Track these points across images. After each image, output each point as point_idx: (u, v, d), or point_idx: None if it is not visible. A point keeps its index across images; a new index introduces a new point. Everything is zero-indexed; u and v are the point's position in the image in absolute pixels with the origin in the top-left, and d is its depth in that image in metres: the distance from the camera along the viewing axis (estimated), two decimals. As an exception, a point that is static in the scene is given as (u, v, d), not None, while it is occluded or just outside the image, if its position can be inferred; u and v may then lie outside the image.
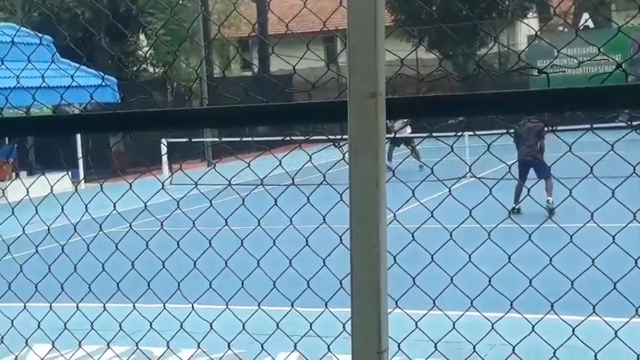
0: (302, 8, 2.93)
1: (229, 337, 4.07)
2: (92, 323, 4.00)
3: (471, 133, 24.29)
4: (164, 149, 22.22)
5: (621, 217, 3.30)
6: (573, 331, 3.45)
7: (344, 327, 2.06)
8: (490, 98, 2.34)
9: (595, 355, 3.47)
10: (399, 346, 3.35)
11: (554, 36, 36.57)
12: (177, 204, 3.69)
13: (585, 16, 36.35)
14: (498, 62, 38.18)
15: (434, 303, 3.54)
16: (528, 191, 10.28)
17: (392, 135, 21.35)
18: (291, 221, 3.46)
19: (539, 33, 36.65)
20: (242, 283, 3.75)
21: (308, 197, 3.24)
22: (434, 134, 3.90)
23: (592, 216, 3.08)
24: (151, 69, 40.54)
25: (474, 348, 3.54)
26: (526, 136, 15.99)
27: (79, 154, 26.04)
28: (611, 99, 2.15)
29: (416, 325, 3.57)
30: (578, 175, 3.23)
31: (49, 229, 4.15)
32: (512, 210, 14.01)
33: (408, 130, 24.43)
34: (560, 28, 39.69)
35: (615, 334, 3.41)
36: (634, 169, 2.90)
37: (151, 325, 4.06)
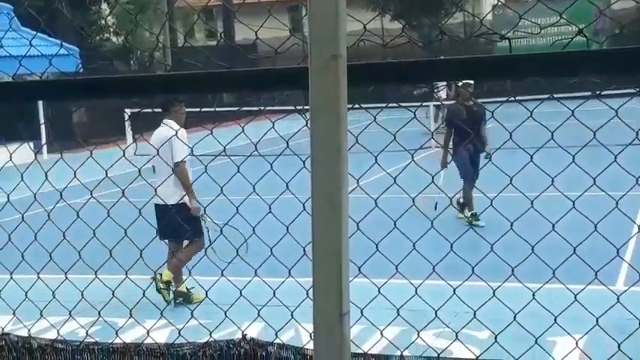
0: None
1: (193, 307, 4.06)
2: (54, 293, 3.96)
3: (437, 103, 24.48)
4: (129, 119, 21.98)
5: (582, 185, 3.32)
6: (534, 295, 3.48)
7: (307, 294, 2.06)
8: (452, 64, 2.33)
9: (555, 319, 3.51)
10: (361, 313, 3.36)
11: (519, 5, 36.61)
12: (139, 172, 3.65)
13: (550, -15, 36.40)
14: (464, 32, 38.26)
15: (396, 269, 3.55)
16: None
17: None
18: (254, 189, 3.44)
19: (504, 1, 36.75)
20: (205, 252, 3.73)
21: (271, 165, 3.22)
22: (401, 103, 3.89)
23: (552, 181, 3.10)
24: (114, 38, 40.04)
25: (436, 314, 3.56)
26: (465, 122, 12.69)
27: (42, 124, 25.73)
28: (572, 65, 2.15)
29: (379, 291, 3.58)
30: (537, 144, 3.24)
31: (8, 199, 4.10)
32: (471, 218, 12.15)
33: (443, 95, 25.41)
34: (525, -2, 39.75)
35: (575, 298, 3.46)
36: (594, 135, 2.92)
37: (113, 294, 4.03)
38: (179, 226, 7.58)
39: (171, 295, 7.96)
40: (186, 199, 8.24)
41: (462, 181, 12.41)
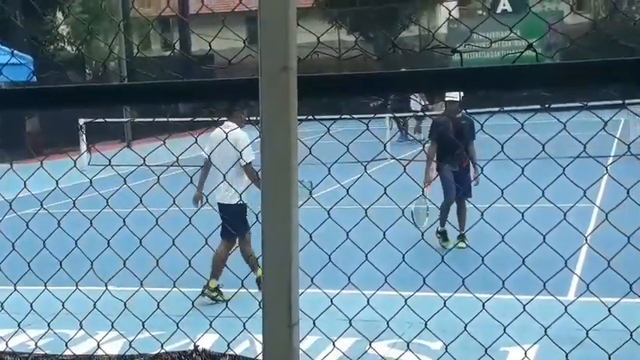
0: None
1: (146, 319, 4.02)
2: (2, 305, 3.90)
3: (391, 115, 24.67)
4: (83, 129, 21.79)
5: (530, 197, 3.37)
6: (483, 306, 3.52)
7: (259, 305, 2.06)
8: (405, 76, 2.36)
9: (504, 329, 3.55)
10: (314, 323, 3.37)
11: (473, 20, 37.06)
12: (91, 182, 3.62)
13: (504, 0, 37.03)
14: (419, 45, 38.59)
15: (349, 280, 3.57)
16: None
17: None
18: (207, 199, 3.43)
19: (459, 17, 37.18)
20: (157, 263, 3.71)
21: (224, 175, 3.21)
22: (354, 115, 3.91)
23: (502, 193, 3.14)
24: (69, 48, 39.64)
25: (388, 324, 3.58)
26: (452, 134, 11.80)
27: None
28: (520, 78, 2.19)
29: (331, 301, 3.59)
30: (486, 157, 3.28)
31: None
32: (439, 237, 11.70)
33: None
34: (480, 12, 40.32)
35: (524, 308, 3.50)
36: (543, 148, 2.97)
37: (63, 306, 3.99)
38: (242, 223, 8.88)
39: (215, 294, 8.60)
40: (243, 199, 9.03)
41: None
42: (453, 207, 11.62)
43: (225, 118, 9.71)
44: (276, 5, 1.64)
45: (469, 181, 11.52)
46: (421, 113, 25.01)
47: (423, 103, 26.62)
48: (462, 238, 11.17)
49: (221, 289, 8.70)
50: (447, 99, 12.16)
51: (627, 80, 2.24)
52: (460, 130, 11.80)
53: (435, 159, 11.83)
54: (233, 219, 8.69)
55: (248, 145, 9.14)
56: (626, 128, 20.78)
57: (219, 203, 8.99)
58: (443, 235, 11.73)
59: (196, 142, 3.26)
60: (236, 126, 9.40)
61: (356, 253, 3.72)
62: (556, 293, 3.82)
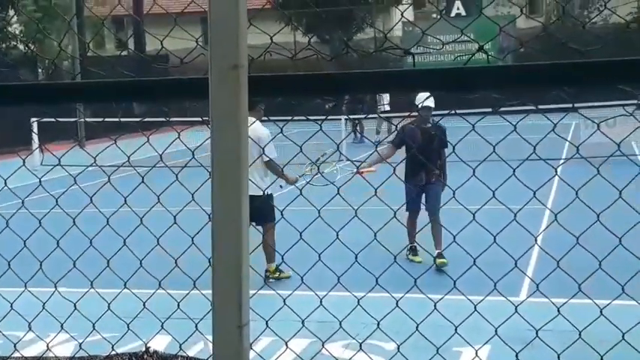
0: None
1: (96, 320, 3.98)
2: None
3: (346, 117, 24.73)
4: (35, 128, 21.48)
5: (482, 199, 3.40)
6: (435, 306, 3.54)
7: (212, 305, 2.04)
8: (356, 77, 2.36)
9: (455, 329, 3.58)
10: (267, 324, 3.36)
11: (428, 23, 37.32)
12: (40, 182, 3.57)
13: (458, 3, 37.40)
14: (374, 47, 38.74)
15: (302, 280, 3.57)
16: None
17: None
18: (158, 199, 3.40)
19: (414, 20, 37.43)
20: (107, 263, 3.67)
21: (177, 175, 3.19)
22: (308, 117, 3.91)
23: (454, 194, 3.16)
24: (21, 46, 39.05)
25: (340, 324, 3.59)
26: (423, 145, 10.53)
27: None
28: (470, 80, 2.20)
29: (284, 302, 3.58)
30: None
31: None
32: (408, 252, 10.55)
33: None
34: (434, 15, 40.64)
35: (475, 309, 3.53)
36: (494, 149, 2.99)
37: (11, 307, 3.92)
38: (270, 211, 9.60)
39: (277, 274, 9.89)
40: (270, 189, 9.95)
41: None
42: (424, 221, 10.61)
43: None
44: (226, 2, 1.63)
45: (437, 194, 10.49)
46: (386, 115, 25.09)
47: (387, 106, 26.71)
48: (440, 255, 9.63)
49: (280, 268, 9.89)
50: (419, 105, 10.68)
51: (576, 83, 2.28)
52: (429, 141, 10.66)
53: (391, 166, 10.81)
54: (262, 208, 9.26)
55: (270, 142, 9.70)
56: (577, 131, 21.09)
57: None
58: (412, 251, 10.63)
59: (148, 141, 3.22)
60: (254, 119, 9.63)
61: (310, 254, 3.71)
62: (508, 294, 3.85)
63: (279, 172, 9.82)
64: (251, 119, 9.87)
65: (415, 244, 10.59)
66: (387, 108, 26.38)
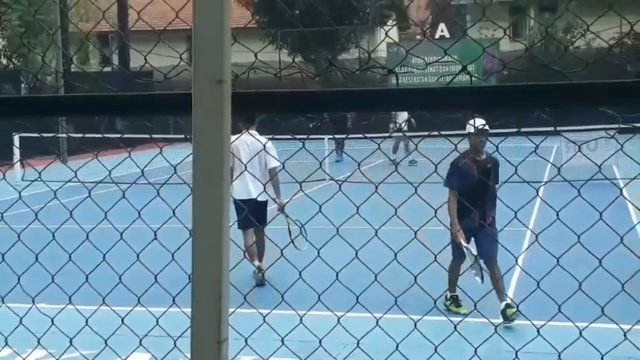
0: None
1: (75, 337, 3.94)
2: None
3: (330, 137, 24.78)
4: (17, 143, 21.38)
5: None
6: (415, 325, 3.54)
7: (191, 320, 2.03)
8: (340, 95, 2.36)
9: (435, 349, 3.57)
10: (246, 342, 3.34)
11: (412, 44, 37.56)
12: (20, 196, 3.55)
13: (442, 26, 37.67)
14: (359, 67, 38.86)
15: (282, 298, 3.55)
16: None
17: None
18: (139, 214, 3.39)
19: (398, 42, 37.65)
20: (86, 279, 3.64)
21: (158, 191, 3.18)
22: (291, 135, 3.91)
23: (435, 213, 3.17)
24: (4, 61, 38.92)
25: (320, 343, 3.57)
26: (472, 180, 8.66)
27: None
28: (453, 100, 2.21)
29: (264, 319, 3.57)
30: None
31: None
32: (449, 302, 8.98)
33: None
34: (418, 37, 40.89)
35: (455, 328, 3.53)
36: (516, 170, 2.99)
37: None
38: (264, 216, 10.52)
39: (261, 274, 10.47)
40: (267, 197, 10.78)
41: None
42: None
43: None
44: (211, 18, 1.63)
45: (494, 236, 8.63)
46: (400, 134, 24.68)
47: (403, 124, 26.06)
48: (507, 306, 8.41)
49: (262, 269, 10.44)
50: (472, 128, 8.73)
51: (558, 104, 2.29)
52: (485, 176, 8.81)
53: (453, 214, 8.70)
54: (258, 212, 10.41)
55: (275, 153, 10.41)
56: (559, 155, 21.23)
57: (243, 200, 10.66)
58: (454, 301, 9.00)
59: (130, 157, 3.21)
60: (258, 134, 10.64)
61: (292, 273, 3.70)
62: (488, 315, 3.86)
63: (277, 185, 10.77)
64: (255, 133, 10.65)
65: (457, 293, 8.90)
66: (404, 127, 25.61)
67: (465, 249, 8.44)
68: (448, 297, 9.05)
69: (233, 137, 10.54)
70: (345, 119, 28.93)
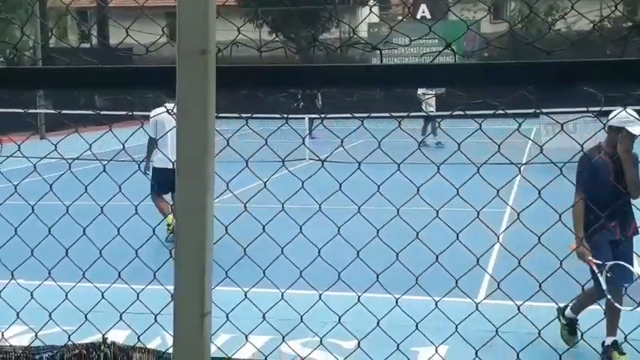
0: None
1: (54, 312, 3.93)
2: None
3: (316, 116, 24.75)
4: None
5: (446, 199, 3.42)
6: (397, 302, 3.55)
7: (172, 297, 2.02)
8: (321, 70, 2.35)
9: (416, 326, 3.58)
10: (227, 317, 3.34)
11: (393, 24, 37.52)
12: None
13: (423, 7, 37.72)
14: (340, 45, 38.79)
15: (264, 274, 3.55)
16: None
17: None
18: (120, 189, 3.36)
19: (379, 21, 37.62)
20: (66, 253, 3.62)
21: (139, 165, 3.16)
22: (273, 114, 3.90)
23: (418, 191, 3.16)
24: (-19, 36, 38.48)
25: (302, 319, 3.58)
26: (615, 178, 6.76)
27: None
28: (433, 76, 2.21)
29: (245, 295, 3.57)
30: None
31: None
32: (566, 328, 7.04)
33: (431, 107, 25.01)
34: (400, 17, 40.89)
35: (436, 305, 3.54)
36: (459, 147, 3.00)
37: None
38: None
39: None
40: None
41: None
42: None
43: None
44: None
45: (632, 254, 6.97)
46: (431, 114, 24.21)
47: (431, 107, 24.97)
48: (615, 346, 6.78)
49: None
50: (615, 122, 6.80)
51: (542, 82, 2.29)
52: (621, 175, 6.83)
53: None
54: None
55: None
56: (538, 136, 21.33)
57: (167, 168, 10.84)
58: (570, 327, 7.11)
59: (111, 131, 3.19)
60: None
61: (274, 249, 3.70)
62: (469, 293, 3.87)
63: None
64: (170, 107, 11.14)
65: (576, 317, 7.11)
66: (432, 109, 25.09)
67: (596, 271, 6.56)
68: (564, 315, 7.19)
69: (159, 110, 11.10)
70: (314, 97, 28.90)
